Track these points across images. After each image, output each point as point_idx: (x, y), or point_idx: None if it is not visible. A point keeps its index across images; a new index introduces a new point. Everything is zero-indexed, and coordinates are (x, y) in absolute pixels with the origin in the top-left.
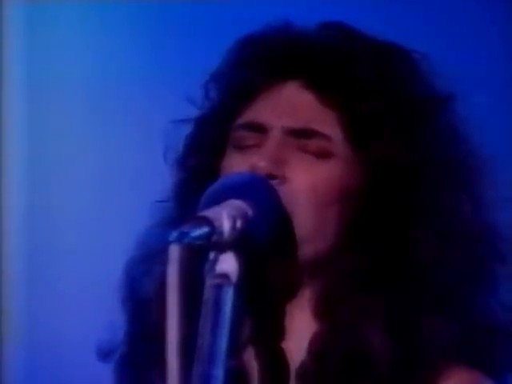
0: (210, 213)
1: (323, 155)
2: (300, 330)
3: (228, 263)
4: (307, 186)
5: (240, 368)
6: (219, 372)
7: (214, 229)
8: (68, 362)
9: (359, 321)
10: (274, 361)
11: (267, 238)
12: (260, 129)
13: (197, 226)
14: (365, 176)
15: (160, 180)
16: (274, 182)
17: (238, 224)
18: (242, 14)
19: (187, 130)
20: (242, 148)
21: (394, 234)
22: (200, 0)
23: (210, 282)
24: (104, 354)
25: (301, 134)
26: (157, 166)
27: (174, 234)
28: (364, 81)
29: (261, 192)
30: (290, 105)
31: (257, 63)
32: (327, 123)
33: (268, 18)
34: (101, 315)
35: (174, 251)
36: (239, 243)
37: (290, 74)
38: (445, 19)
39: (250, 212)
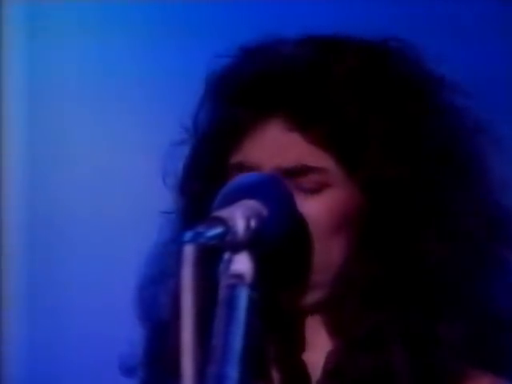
0: (224, 213)
1: (321, 188)
2: (318, 344)
3: (242, 263)
4: (311, 222)
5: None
6: (233, 372)
7: (228, 229)
8: (69, 364)
9: (375, 338)
10: (295, 374)
11: (282, 238)
12: (250, 170)
13: (211, 226)
14: (364, 196)
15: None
16: None
17: (252, 224)
18: (242, 14)
19: (185, 152)
20: None
21: (402, 245)
22: (201, 0)
23: (224, 282)
24: (127, 369)
25: (295, 173)
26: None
27: (189, 234)
28: (344, 105)
29: (275, 192)
30: (277, 144)
31: (234, 101)
32: (318, 155)
33: (265, 20)
34: (105, 318)
35: (189, 251)
36: (253, 243)
37: (269, 110)
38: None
39: (264, 212)
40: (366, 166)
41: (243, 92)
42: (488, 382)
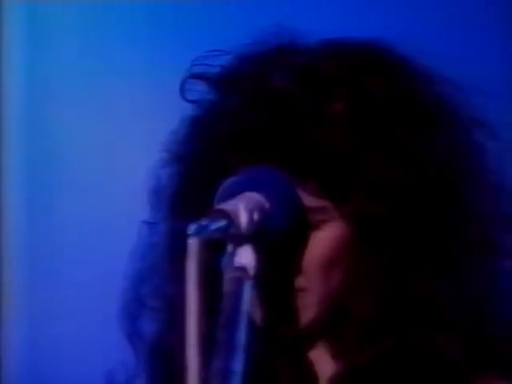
0: (226, 205)
1: (317, 226)
2: (321, 368)
3: (246, 256)
4: (311, 257)
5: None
6: (238, 366)
7: (232, 221)
8: (69, 363)
9: (375, 365)
10: (302, 373)
11: (284, 231)
12: None
13: (214, 218)
14: (354, 232)
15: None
16: None
17: (255, 217)
18: (246, 14)
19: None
20: None
21: (391, 279)
22: (203, 0)
23: (228, 275)
24: None
25: None
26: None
27: (193, 227)
28: (333, 155)
29: (277, 185)
30: None
31: (227, 142)
32: (317, 195)
33: (268, 20)
34: (103, 319)
35: (193, 244)
36: (257, 236)
37: (263, 157)
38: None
39: (267, 205)
40: (352, 205)
41: (237, 133)
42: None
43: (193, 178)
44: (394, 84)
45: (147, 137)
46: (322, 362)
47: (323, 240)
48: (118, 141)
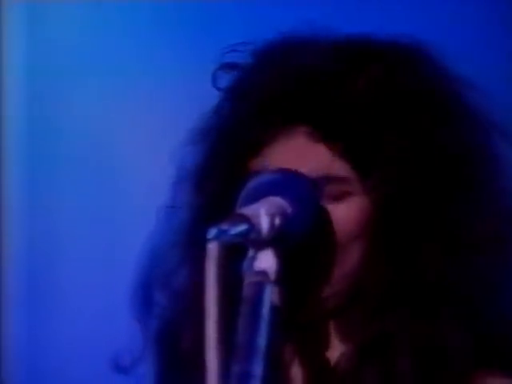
0: (248, 210)
1: (342, 197)
2: (335, 346)
3: (266, 261)
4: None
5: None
6: (258, 370)
7: (252, 226)
8: (67, 362)
9: (385, 345)
10: (319, 370)
11: (306, 236)
12: None
13: (235, 223)
14: (375, 207)
15: (167, 179)
16: None
17: (277, 221)
18: (252, 13)
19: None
20: None
21: (408, 257)
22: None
23: (248, 279)
24: (122, 369)
25: (318, 183)
26: (161, 164)
27: (213, 232)
28: (363, 120)
29: (300, 189)
30: (301, 154)
31: (257, 112)
32: (341, 166)
33: (274, 20)
34: (105, 317)
35: (213, 249)
36: (278, 241)
37: (294, 121)
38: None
39: (288, 209)
40: (377, 177)
41: (268, 101)
42: (497, 382)
43: (221, 155)
44: (421, 75)
45: (148, 134)
46: (331, 348)
47: (346, 212)
48: (118, 141)
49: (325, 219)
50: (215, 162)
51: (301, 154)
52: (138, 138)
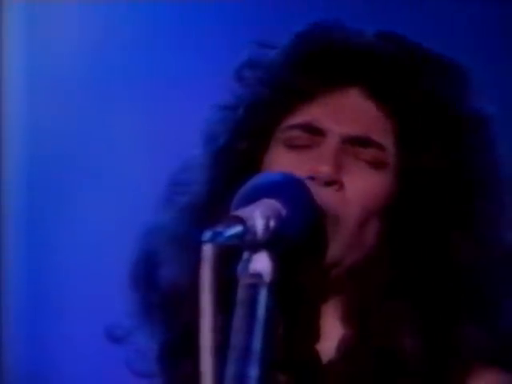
0: (243, 212)
1: (377, 165)
2: (330, 332)
3: (261, 263)
4: (361, 195)
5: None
6: (253, 371)
7: (247, 228)
8: (69, 361)
9: (389, 325)
10: (308, 362)
11: (300, 238)
12: (317, 132)
13: (230, 225)
14: (402, 187)
15: (164, 178)
16: (332, 188)
17: (272, 223)
18: (259, 14)
19: (218, 116)
20: (292, 147)
21: (427, 240)
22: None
23: (243, 281)
24: (115, 339)
25: (357, 142)
26: (157, 163)
27: (208, 234)
28: (424, 94)
29: (294, 192)
30: (350, 112)
31: (316, 67)
32: (383, 133)
33: (282, 19)
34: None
35: (208, 251)
36: (272, 243)
37: (351, 80)
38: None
39: (283, 212)
40: (423, 159)
41: (328, 61)
42: (502, 380)
43: (251, 123)
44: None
45: (148, 137)
46: (330, 326)
47: (377, 182)
48: (117, 141)
49: (318, 221)
50: (249, 119)
51: (350, 112)
52: (138, 138)
